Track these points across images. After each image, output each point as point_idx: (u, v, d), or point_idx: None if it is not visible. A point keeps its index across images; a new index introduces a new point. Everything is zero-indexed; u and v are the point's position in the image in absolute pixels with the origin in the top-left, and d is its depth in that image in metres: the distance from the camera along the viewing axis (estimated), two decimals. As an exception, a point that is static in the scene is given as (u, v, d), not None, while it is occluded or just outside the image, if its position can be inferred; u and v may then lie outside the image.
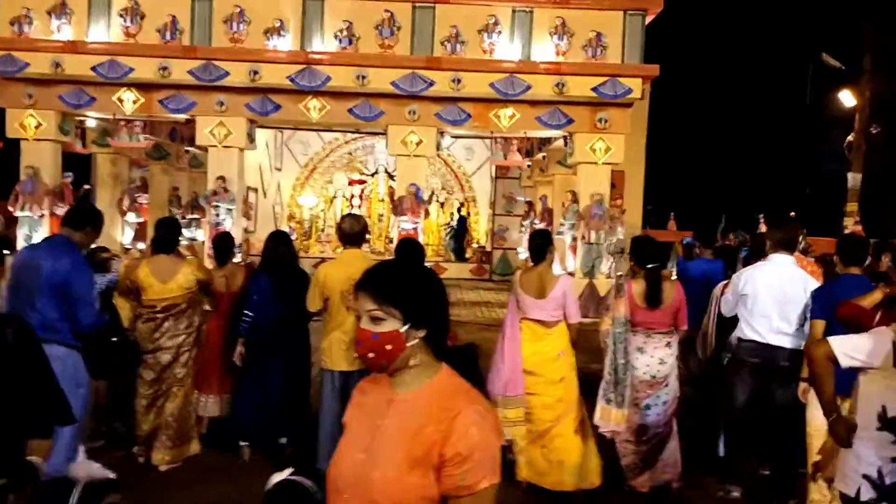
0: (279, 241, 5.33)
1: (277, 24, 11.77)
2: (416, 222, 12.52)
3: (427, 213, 13.77)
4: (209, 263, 7.46)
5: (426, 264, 3.69)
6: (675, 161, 24.51)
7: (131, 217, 14.94)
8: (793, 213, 15.60)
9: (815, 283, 4.64)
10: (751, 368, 4.70)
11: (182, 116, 12.47)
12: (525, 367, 4.92)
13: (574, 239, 13.13)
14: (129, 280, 5.02)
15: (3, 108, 12.24)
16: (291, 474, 1.99)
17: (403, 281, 1.83)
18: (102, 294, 4.71)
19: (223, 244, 5.84)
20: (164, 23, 11.73)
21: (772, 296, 4.53)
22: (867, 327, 3.25)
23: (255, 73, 11.67)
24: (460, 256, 19.44)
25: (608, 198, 12.62)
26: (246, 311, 5.12)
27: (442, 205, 21.70)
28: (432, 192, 17.71)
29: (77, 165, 15.78)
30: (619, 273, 5.21)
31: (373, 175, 21.27)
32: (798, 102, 23.97)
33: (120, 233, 14.96)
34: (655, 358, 4.89)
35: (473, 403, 1.76)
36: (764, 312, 4.62)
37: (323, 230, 21.53)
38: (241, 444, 5.28)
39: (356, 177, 21.89)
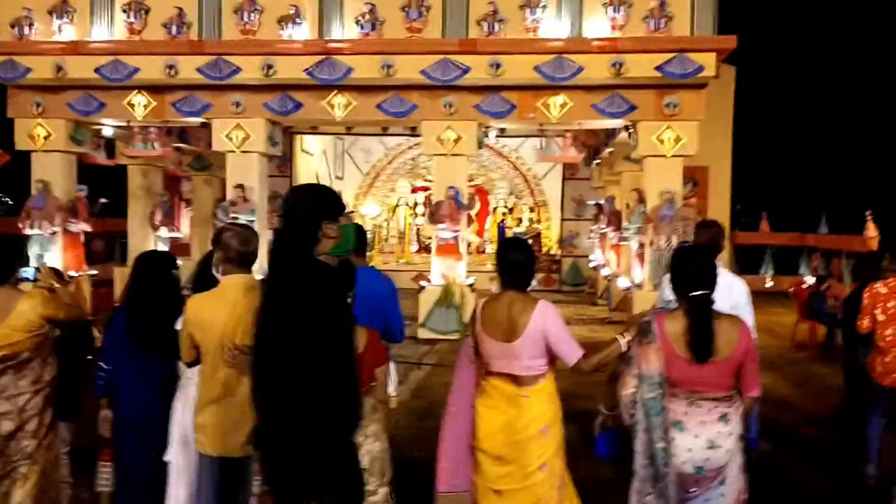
0: (143, 265, 3.80)
1: (292, 12, 10.42)
2: (457, 231, 10.94)
3: (470, 220, 12.14)
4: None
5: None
6: (769, 154, 22.07)
7: (163, 232, 13.92)
8: None
9: None
10: None
11: (196, 120, 11.32)
12: (490, 450, 3.27)
13: (641, 245, 11.25)
14: None
15: (11, 118, 11.35)
16: None
17: None
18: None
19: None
20: (170, 16, 10.58)
21: None
22: None
23: (270, 67, 10.35)
24: None
25: (681, 196, 10.70)
26: (100, 364, 3.66)
27: (511, 210, 20.15)
28: (473, 195, 15.97)
29: (107, 179, 15.05)
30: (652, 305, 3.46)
31: (436, 181, 19.90)
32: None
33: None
34: (702, 439, 3.04)
35: None
36: None
37: (386, 240, 20.48)
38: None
39: (419, 183, 20.66)
